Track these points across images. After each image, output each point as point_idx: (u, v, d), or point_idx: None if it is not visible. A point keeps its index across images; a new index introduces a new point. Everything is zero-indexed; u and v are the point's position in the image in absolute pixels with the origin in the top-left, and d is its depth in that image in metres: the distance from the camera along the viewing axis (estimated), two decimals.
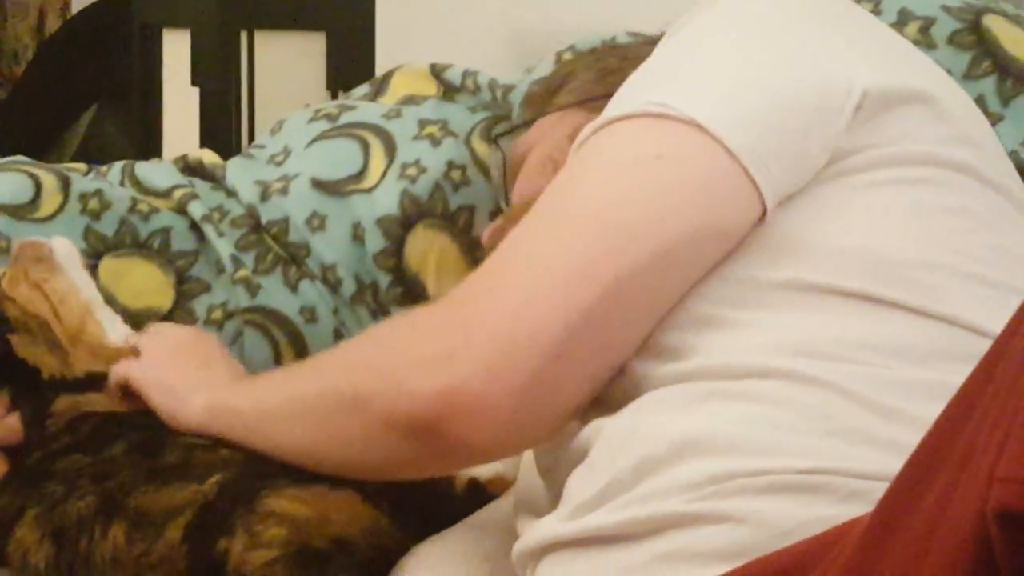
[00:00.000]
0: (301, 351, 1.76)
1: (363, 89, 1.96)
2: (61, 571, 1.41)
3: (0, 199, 1.73)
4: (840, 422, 1.09)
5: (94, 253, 1.76)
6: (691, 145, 1.17)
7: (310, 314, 1.78)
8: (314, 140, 1.86)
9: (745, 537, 1.05)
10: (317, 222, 1.80)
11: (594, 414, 1.20)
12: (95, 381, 1.53)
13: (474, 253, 1.76)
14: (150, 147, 2.70)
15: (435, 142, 1.83)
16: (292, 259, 1.80)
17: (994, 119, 1.61)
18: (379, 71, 2.06)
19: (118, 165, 1.89)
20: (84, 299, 1.57)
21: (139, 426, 1.49)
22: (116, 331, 1.58)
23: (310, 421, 1.31)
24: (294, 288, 1.78)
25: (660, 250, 1.16)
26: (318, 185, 1.82)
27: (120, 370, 1.51)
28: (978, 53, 1.67)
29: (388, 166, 1.82)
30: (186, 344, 1.55)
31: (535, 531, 1.18)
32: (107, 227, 1.78)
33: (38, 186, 1.76)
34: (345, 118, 1.88)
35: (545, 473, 1.28)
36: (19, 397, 1.55)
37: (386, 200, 1.79)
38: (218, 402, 1.42)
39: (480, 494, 1.43)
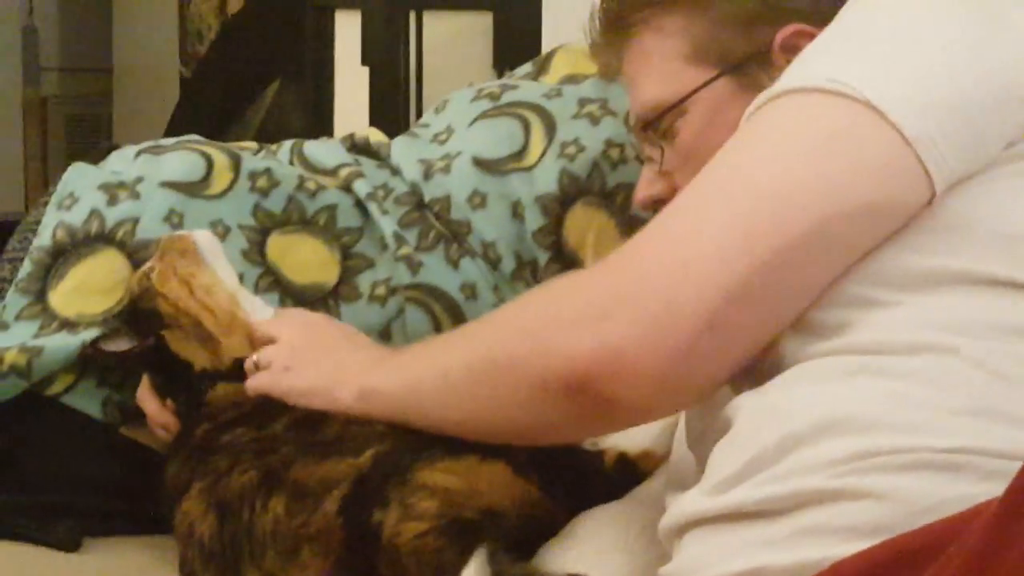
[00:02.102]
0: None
1: (525, 68, 1.97)
2: (224, 542, 1.45)
3: (174, 177, 1.78)
4: (986, 402, 1.09)
5: (262, 229, 1.80)
6: (865, 127, 1.16)
7: (471, 291, 1.80)
8: (476, 119, 1.89)
9: (885, 514, 1.05)
10: (478, 200, 1.82)
11: (742, 385, 1.21)
12: (242, 368, 1.57)
13: (632, 230, 1.76)
14: (322, 124, 2.74)
15: (594, 121, 1.84)
16: (453, 236, 1.82)
17: None
18: (545, 49, 2.07)
19: (287, 144, 1.93)
20: (230, 290, 1.61)
21: None
22: (263, 317, 1.61)
23: (462, 391, 1.32)
24: (455, 265, 1.81)
25: (820, 227, 1.16)
26: (479, 163, 1.84)
27: (254, 386, 1.53)
28: None
29: (548, 145, 1.83)
30: (315, 334, 1.56)
31: (678, 506, 1.19)
32: (275, 204, 1.81)
33: (210, 164, 1.81)
34: (507, 97, 1.90)
35: (694, 443, 1.29)
36: (173, 391, 1.60)
37: (545, 178, 1.81)
38: (366, 391, 1.43)
39: (629, 470, 1.44)
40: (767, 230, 1.16)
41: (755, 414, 1.17)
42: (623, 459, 1.43)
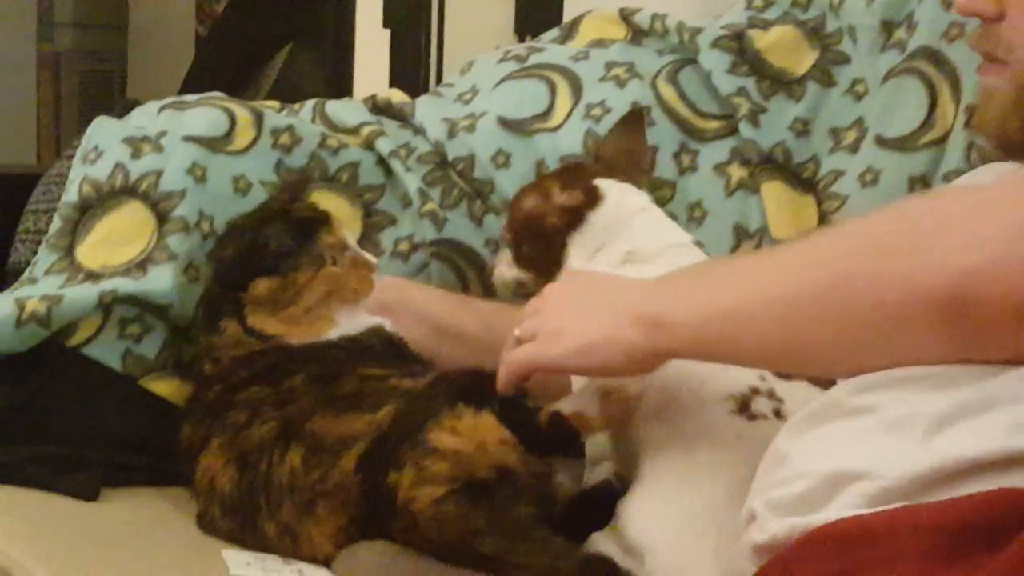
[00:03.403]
0: (488, 282, 1.79)
1: (553, 33, 1.99)
2: (243, 493, 1.45)
3: (197, 131, 1.78)
4: None
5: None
6: None
7: (496, 247, 1.80)
8: (502, 80, 1.90)
9: None
10: (502, 159, 1.83)
11: None
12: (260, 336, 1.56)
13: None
14: (342, 86, 2.74)
15: (620, 84, 1.85)
16: (477, 194, 1.83)
17: None
18: (567, 17, 2.07)
19: (309, 103, 1.94)
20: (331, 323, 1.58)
21: (314, 359, 1.53)
22: None
23: (803, 316, 1.17)
24: (479, 222, 1.82)
25: None
26: (504, 123, 1.85)
27: (518, 359, 1.36)
28: None
29: (573, 106, 1.84)
30: (557, 288, 1.40)
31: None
32: (297, 161, 1.82)
33: (233, 120, 1.81)
34: (533, 59, 1.91)
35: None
36: (209, 304, 1.61)
37: (570, 139, 1.82)
38: (652, 322, 1.26)
39: (562, 429, 1.38)
40: None
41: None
42: (557, 417, 1.38)
